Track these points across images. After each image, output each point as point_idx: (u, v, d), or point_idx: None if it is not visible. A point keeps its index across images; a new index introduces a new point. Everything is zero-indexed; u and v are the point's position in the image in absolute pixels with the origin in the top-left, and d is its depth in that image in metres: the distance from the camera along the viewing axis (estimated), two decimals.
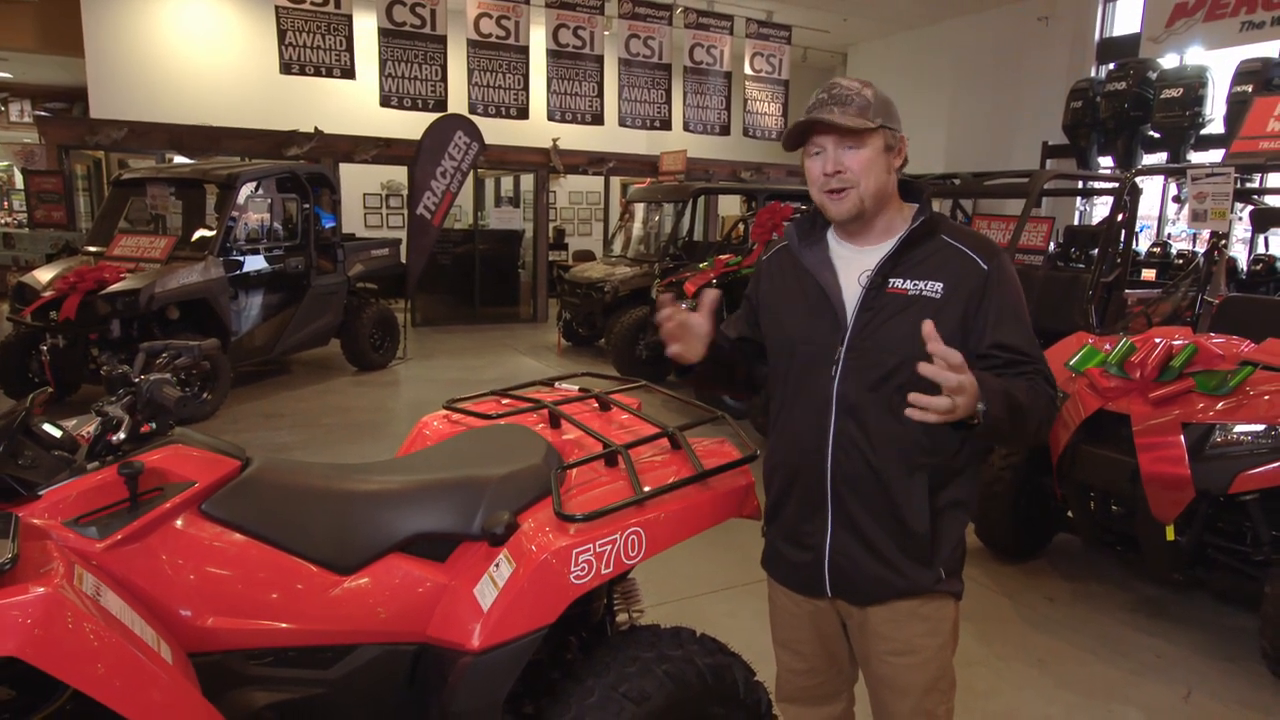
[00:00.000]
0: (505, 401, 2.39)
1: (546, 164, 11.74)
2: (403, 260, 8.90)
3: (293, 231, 7.23)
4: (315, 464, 1.95)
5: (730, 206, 14.43)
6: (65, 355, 5.90)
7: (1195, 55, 9.59)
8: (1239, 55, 8.91)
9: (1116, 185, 4.40)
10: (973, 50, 13.02)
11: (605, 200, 13.27)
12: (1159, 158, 10.08)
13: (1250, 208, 4.03)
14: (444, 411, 2.47)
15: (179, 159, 10.49)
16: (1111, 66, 10.31)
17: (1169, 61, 9.80)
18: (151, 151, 11.16)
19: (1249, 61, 8.70)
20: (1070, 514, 3.66)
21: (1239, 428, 2.98)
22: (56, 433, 1.69)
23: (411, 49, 10.45)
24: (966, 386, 1.35)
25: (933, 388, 1.37)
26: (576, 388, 2.56)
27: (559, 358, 9.27)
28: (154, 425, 1.64)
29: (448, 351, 9.39)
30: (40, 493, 1.54)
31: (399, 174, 13.18)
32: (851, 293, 1.60)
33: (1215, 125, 9.19)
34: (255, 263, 6.71)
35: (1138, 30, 10.70)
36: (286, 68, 9.78)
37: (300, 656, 1.73)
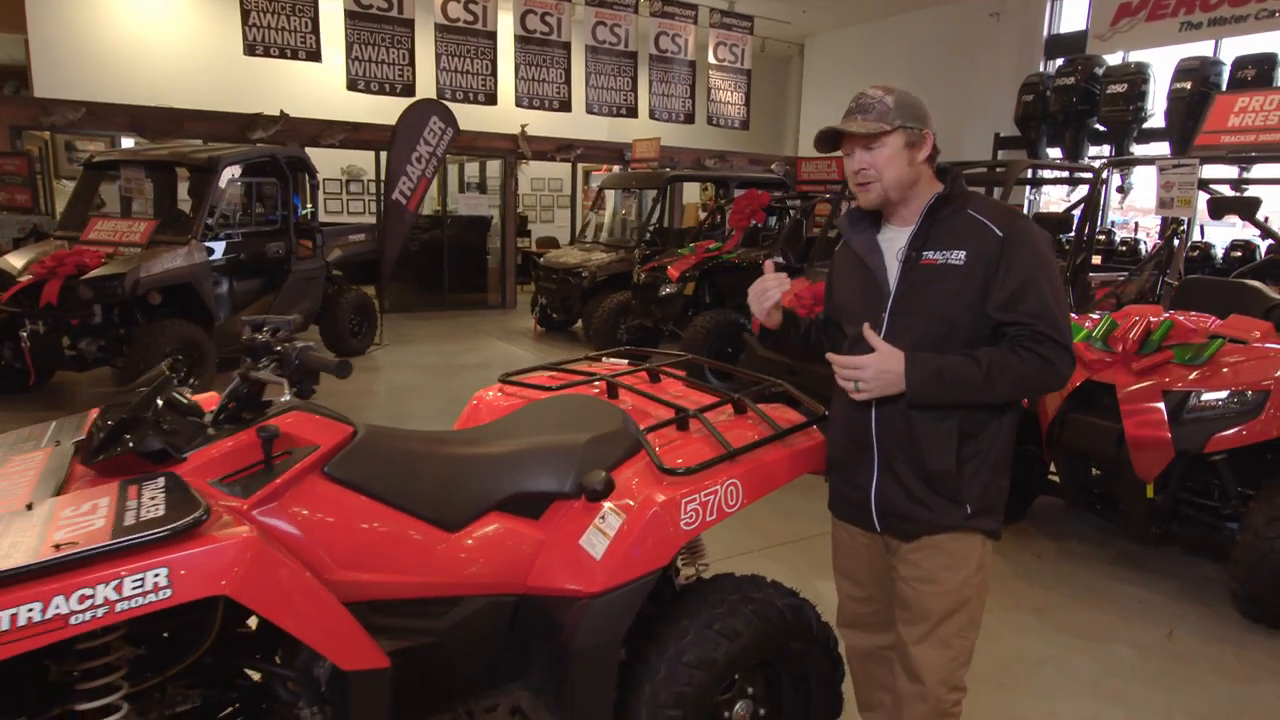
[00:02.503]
0: (550, 375, 2.54)
1: (514, 150, 11.74)
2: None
3: (272, 216, 7.15)
4: (413, 431, 2.07)
5: (690, 194, 14.63)
6: (44, 341, 5.76)
7: (1138, 53, 10.13)
8: (1179, 54, 9.46)
9: (1090, 175, 4.72)
10: (926, 44, 13.44)
11: (573, 187, 13.32)
12: (1103, 150, 10.64)
13: (1208, 197, 4.40)
14: (498, 385, 2.60)
15: (127, 142, 10.18)
16: (1060, 62, 10.81)
17: (1114, 59, 10.34)
18: (102, 133, 10.81)
19: (1188, 60, 9.26)
20: (1056, 478, 3.96)
21: (1211, 394, 3.29)
22: (185, 400, 1.78)
23: (379, 32, 10.34)
24: (864, 373, 1.74)
25: (959, 348, 1.73)
26: (625, 361, 2.72)
27: (535, 342, 9.35)
28: (299, 389, 1.73)
29: (422, 338, 9.39)
30: (185, 455, 1.64)
31: (360, 159, 13.01)
32: (892, 267, 1.84)
33: (1156, 120, 9.76)
34: (237, 247, 6.63)
35: (1084, 28, 11.24)
36: (250, 49, 9.58)
37: (416, 608, 1.86)
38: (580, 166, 13.92)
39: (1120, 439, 3.38)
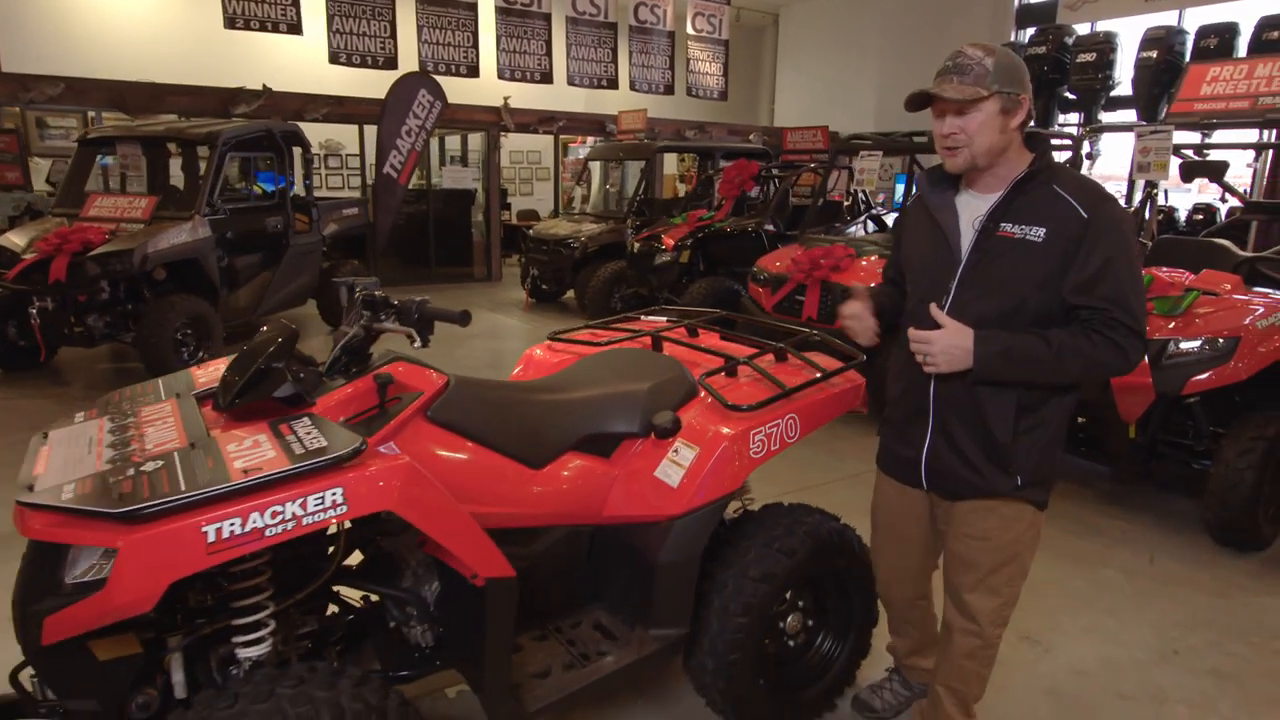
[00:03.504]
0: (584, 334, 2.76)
1: (497, 122, 11.76)
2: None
3: (270, 189, 7.19)
4: (493, 380, 2.28)
5: (668, 166, 14.75)
6: (52, 318, 5.81)
7: (1106, 23, 10.45)
8: (1145, 23, 9.79)
9: (1070, 142, 5.02)
10: (899, 13, 13.64)
11: (556, 160, 13.38)
12: (1072, 117, 10.99)
13: (1180, 161, 4.70)
14: (547, 342, 2.81)
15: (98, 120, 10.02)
16: (1032, 31, 11.09)
17: (1082, 28, 10.65)
18: (72, 108, 10.62)
19: (1154, 29, 9.59)
20: None
21: (1188, 342, 3.60)
22: (303, 353, 1.97)
23: (360, 4, 10.27)
24: (934, 348, 1.73)
25: (1025, 324, 1.73)
26: (664, 319, 2.95)
27: (526, 313, 9.50)
28: (420, 339, 1.92)
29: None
30: (314, 400, 1.83)
31: (338, 133, 12.92)
32: (967, 234, 1.82)
33: (1123, 88, 10.12)
34: (237, 222, 6.68)
35: None
36: (231, 22, 9.48)
37: (508, 536, 2.07)
38: (558, 139, 13.98)
39: (1106, 384, 3.69)
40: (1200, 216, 8.56)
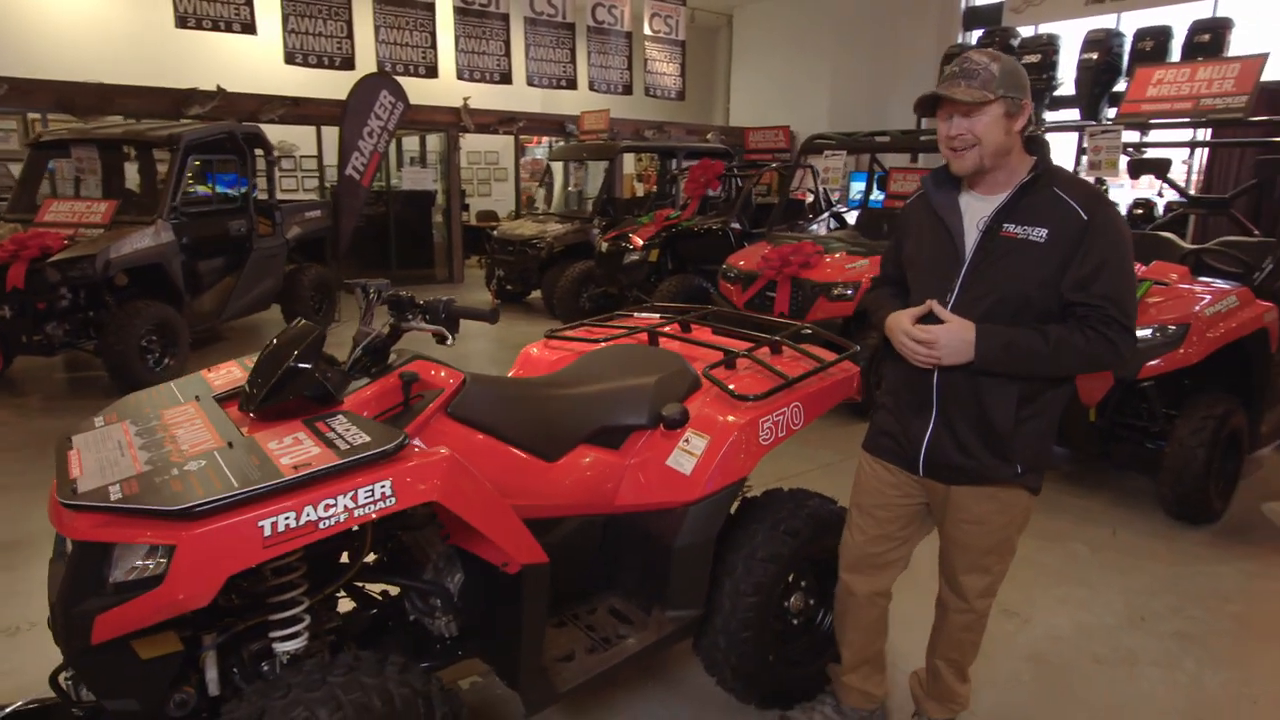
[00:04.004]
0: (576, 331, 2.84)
1: (457, 123, 11.71)
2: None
3: (233, 192, 7.09)
4: (505, 377, 2.35)
5: (626, 165, 14.84)
6: (10, 326, 5.65)
7: (1048, 26, 10.85)
8: (1085, 26, 10.21)
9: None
10: (851, 15, 13.94)
11: (516, 160, 13.36)
12: None
13: (1128, 159, 4.97)
14: (542, 341, 2.89)
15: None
16: (980, 33, 11.46)
17: (1026, 31, 11.04)
18: (16, 110, 10.27)
19: (1094, 32, 10.01)
20: None
21: (1141, 330, 3.82)
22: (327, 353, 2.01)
23: (315, 4, 10.12)
24: (935, 343, 1.80)
25: (1028, 321, 1.78)
26: (657, 315, 3.04)
27: None
28: (450, 336, 1.98)
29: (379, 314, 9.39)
30: (343, 397, 1.88)
31: (292, 134, 12.71)
32: (971, 234, 1.87)
33: (1066, 87, 10.52)
34: (200, 226, 6.57)
35: (999, 0, 11.93)
36: (182, 21, 9.26)
37: (527, 527, 2.15)
38: (518, 140, 13.96)
39: None
40: (1140, 211, 8.95)
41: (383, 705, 1.57)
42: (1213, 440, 3.69)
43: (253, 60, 10.79)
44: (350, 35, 10.38)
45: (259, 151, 7.33)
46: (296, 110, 10.39)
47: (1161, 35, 9.41)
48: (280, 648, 1.79)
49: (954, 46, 11.83)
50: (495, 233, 9.75)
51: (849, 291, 5.38)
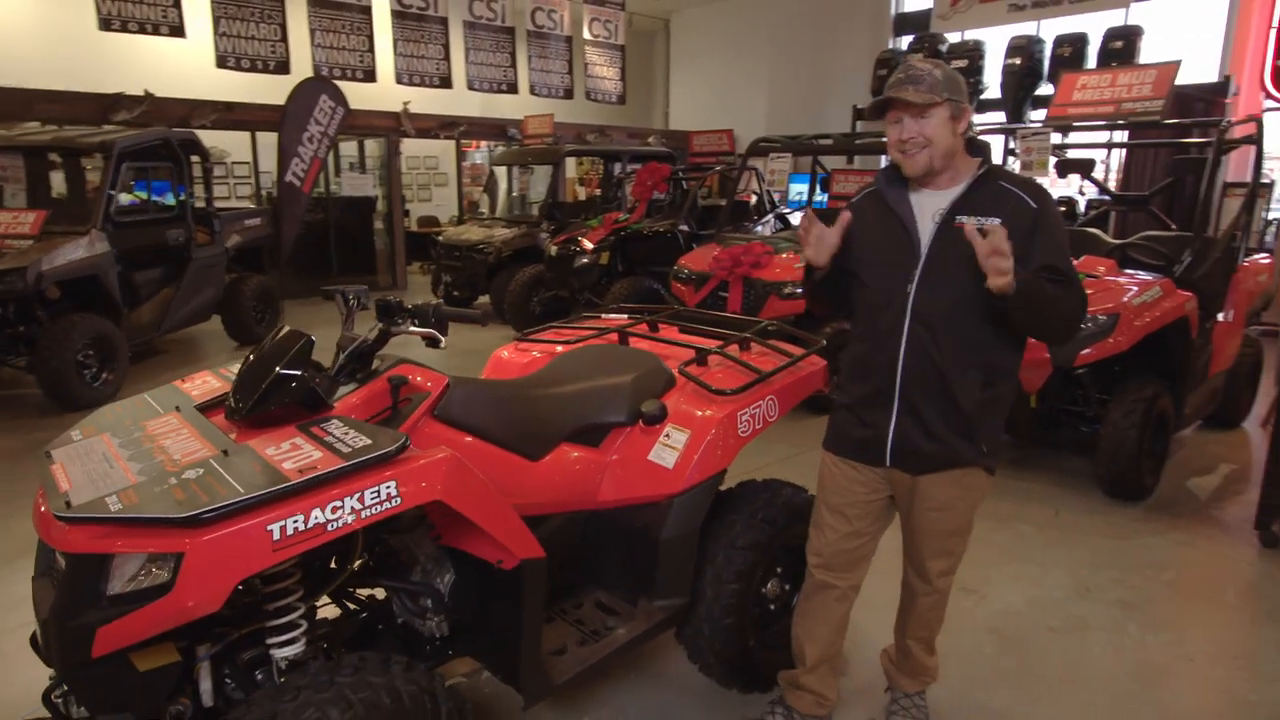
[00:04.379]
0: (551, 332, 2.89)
1: (397, 128, 11.57)
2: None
3: (171, 201, 6.88)
4: (487, 380, 2.38)
5: (568, 169, 14.86)
6: None
7: (974, 32, 11.30)
8: (1008, 33, 10.68)
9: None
10: (786, 21, 14.26)
11: (458, 166, 13.25)
12: None
13: (1055, 159, 5.25)
14: (513, 344, 2.93)
15: None
16: (910, 39, 11.86)
17: (953, 37, 11.48)
18: None
19: (1017, 38, 10.46)
20: None
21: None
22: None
23: (247, 6, 9.87)
24: (1002, 247, 1.73)
25: (988, 312, 1.85)
26: (625, 316, 3.11)
27: None
28: (440, 340, 2.00)
29: (324, 322, 9.20)
30: (334, 402, 1.90)
31: (224, 140, 12.34)
32: (926, 227, 1.97)
33: (992, 91, 10.99)
34: (135, 236, 6.36)
35: (927, 6, 12.37)
36: (105, 23, 8.93)
37: None
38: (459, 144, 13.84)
39: None
40: (1063, 209, 9.38)
41: (391, 703, 1.60)
42: (1143, 422, 3.94)
43: (183, 64, 10.45)
44: (284, 38, 10.16)
45: (195, 158, 7.13)
46: (230, 115, 10.11)
47: (1079, 42, 9.90)
48: (279, 654, 1.79)
49: (885, 52, 12.22)
50: (441, 238, 9.67)
51: (799, 290, 5.53)
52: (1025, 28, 10.80)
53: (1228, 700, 2.56)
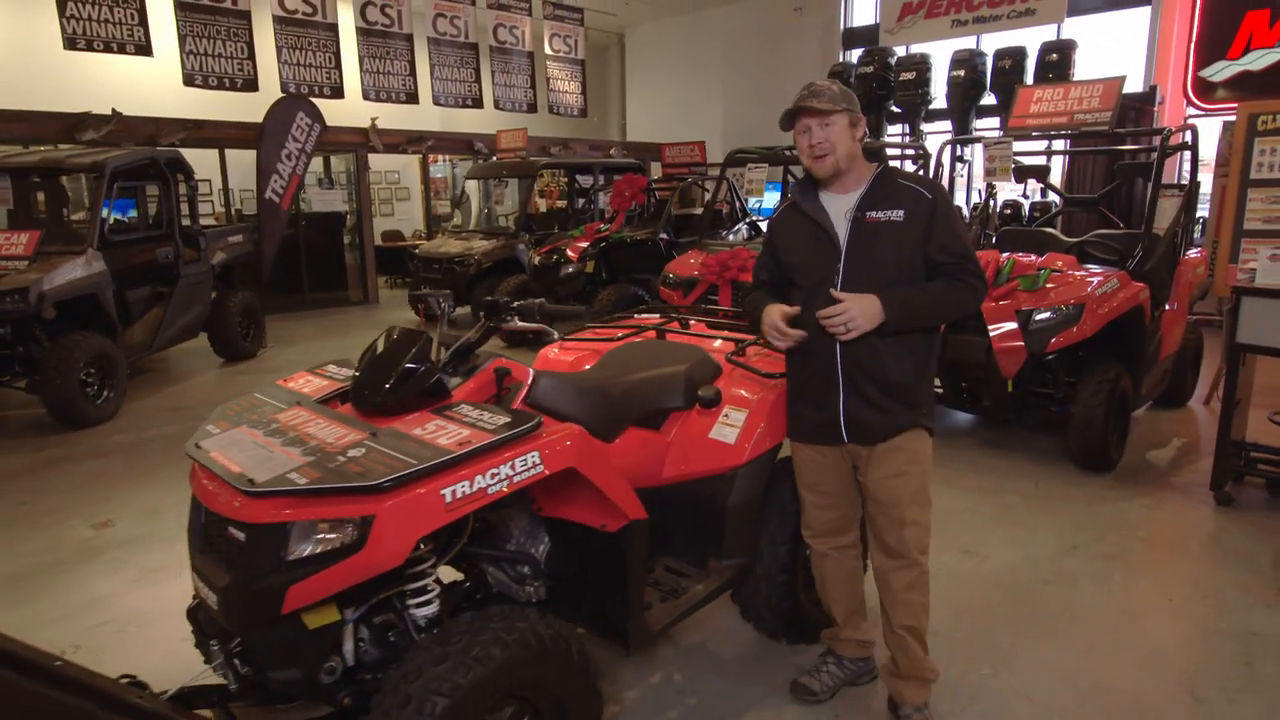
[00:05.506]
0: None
1: (365, 143, 11.66)
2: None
3: (157, 220, 6.92)
4: (563, 372, 2.65)
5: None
6: None
7: (920, 46, 11.94)
8: (953, 46, 11.33)
9: (922, 152, 5.97)
10: (739, 36, 14.78)
11: (426, 179, 13.36)
12: (898, 129, 12.45)
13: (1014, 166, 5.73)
14: (557, 344, 3.19)
15: None
16: (860, 52, 12.44)
17: (900, 50, 12.11)
18: None
19: (960, 52, 11.13)
20: (939, 388, 5.10)
21: (1045, 311, 4.50)
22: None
23: (213, 24, 9.91)
24: (851, 315, 2.08)
25: (904, 285, 2.14)
26: (658, 315, 3.41)
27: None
28: (554, 334, 2.26)
29: (304, 338, 9.29)
30: (452, 390, 2.14)
31: (191, 158, 12.25)
32: (841, 226, 2.23)
33: (939, 101, 11.62)
34: (128, 255, 6.40)
35: (874, 21, 13.00)
36: (71, 43, 8.88)
37: None
38: (415, 159, 13.94)
39: (988, 349, 4.52)
40: (1009, 211, 9.98)
41: (537, 643, 1.85)
42: (1109, 400, 4.39)
43: (150, 83, 10.41)
44: (252, 56, 10.20)
45: (180, 177, 7.18)
46: (199, 133, 10.09)
47: (1018, 55, 10.60)
48: (418, 613, 2.03)
49: (837, 65, 12.81)
50: (418, 251, 9.81)
51: None
52: (967, 42, 11.47)
53: (1202, 629, 2.96)
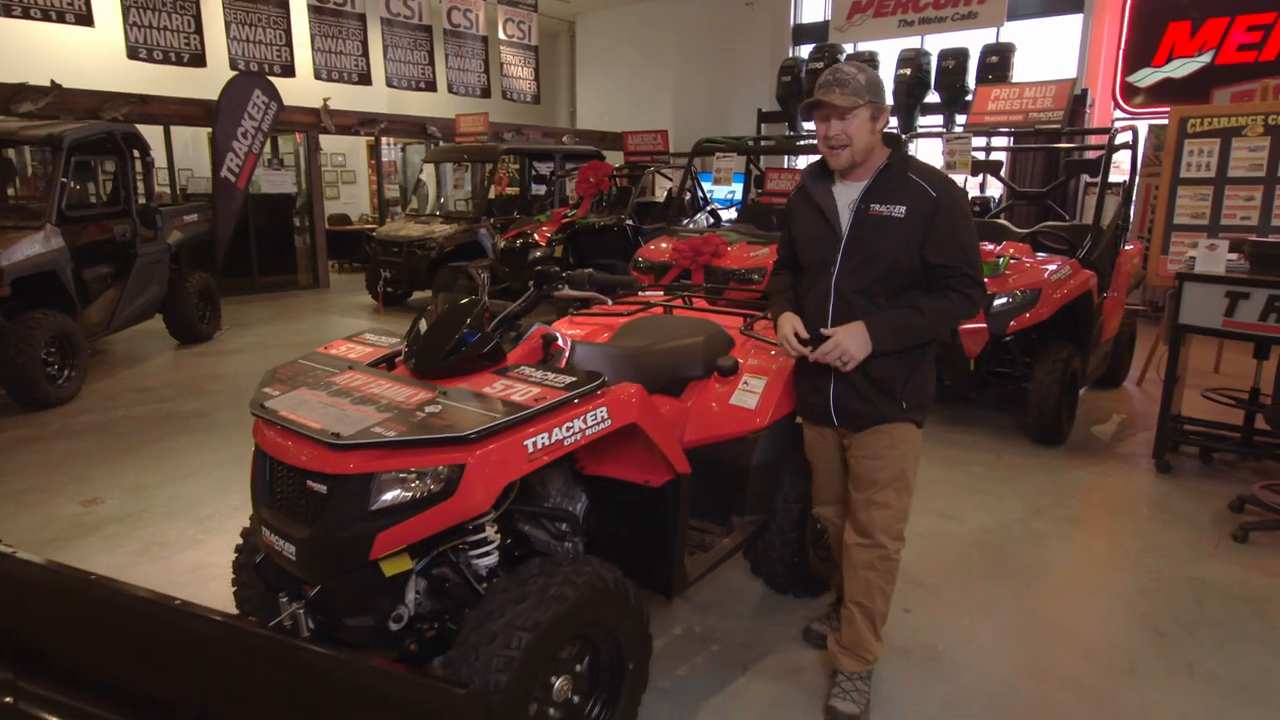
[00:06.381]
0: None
1: (317, 124, 11.42)
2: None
3: (113, 196, 6.71)
4: (594, 342, 2.78)
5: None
6: None
7: (867, 44, 12.36)
8: (898, 45, 11.77)
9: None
10: (691, 28, 14.97)
11: (378, 163, 13.15)
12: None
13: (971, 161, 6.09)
14: (567, 319, 3.33)
15: None
16: (811, 48, 12.79)
17: (849, 47, 12.50)
18: None
19: (906, 51, 11.56)
20: None
21: (1005, 296, 4.83)
22: None
23: None
24: (843, 349, 2.13)
25: (902, 285, 2.17)
26: (663, 293, 3.57)
27: (382, 316, 9.46)
28: (608, 301, 2.38)
29: (259, 320, 9.10)
30: (507, 353, 2.27)
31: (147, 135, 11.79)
32: (845, 216, 2.23)
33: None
34: (84, 231, 6.20)
35: (824, 18, 13.37)
36: (6, 9, 8.47)
37: None
38: (364, 141, 13.70)
39: (954, 331, 4.83)
40: (977, 208, 10.43)
41: (603, 586, 2.00)
42: (1062, 378, 4.75)
43: (91, 55, 9.98)
44: (199, 30, 9.90)
45: (136, 153, 6.96)
46: (143, 108, 9.73)
47: (961, 56, 11.07)
48: (480, 563, 2.14)
49: (788, 60, 13.13)
50: (375, 234, 9.71)
51: (756, 276, 6.12)
52: (913, 41, 11.93)
53: (1156, 578, 3.30)
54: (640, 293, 3.60)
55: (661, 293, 3.58)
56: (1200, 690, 2.54)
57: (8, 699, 1.65)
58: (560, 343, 2.44)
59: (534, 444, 1.87)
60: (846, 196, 2.25)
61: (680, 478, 2.29)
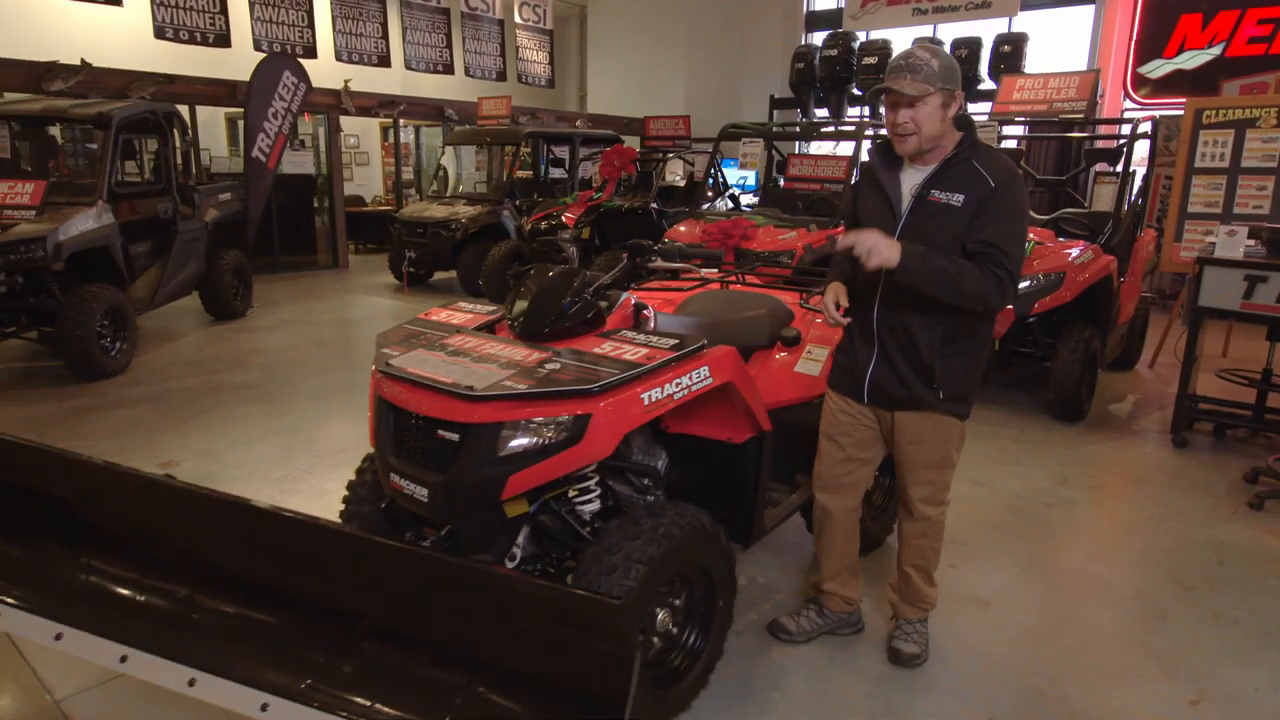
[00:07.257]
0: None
1: (337, 106, 11.54)
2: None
3: (155, 175, 6.87)
4: (671, 313, 2.98)
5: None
6: None
7: (880, 32, 12.49)
8: (911, 34, 11.92)
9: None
10: (702, 14, 15.04)
11: (396, 144, 13.27)
12: (857, 111, 13.01)
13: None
14: (634, 292, 3.53)
15: None
16: (825, 35, 12.92)
17: (862, 35, 12.64)
18: None
19: (920, 40, 11.72)
20: None
21: (1030, 280, 5.04)
22: None
23: None
24: (873, 242, 2.07)
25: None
26: (717, 270, 3.77)
27: (405, 295, 9.62)
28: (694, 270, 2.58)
29: (285, 299, 9.27)
30: (606, 318, 2.47)
31: None
32: (906, 199, 2.26)
33: None
34: (131, 208, 6.37)
35: (836, 5, 13.49)
36: None
37: None
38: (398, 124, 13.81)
39: None
40: None
41: (702, 529, 2.22)
42: (1084, 357, 4.98)
43: (122, 35, 10.09)
44: (224, 11, 10.03)
45: (176, 132, 7.11)
46: (170, 88, 9.85)
47: (974, 45, 11.24)
48: (586, 509, 2.36)
49: (802, 46, 13.27)
50: (399, 216, 9.87)
51: (784, 258, 6.32)
52: (926, 30, 12.08)
53: (1179, 540, 3.54)
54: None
55: (716, 270, 3.78)
56: (1227, 634, 2.79)
57: (194, 616, 1.86)
58: (647, 312, 2.64)
59: (649, 397, 2.08)
60: (910, 181, 2.28)
61: (764, 434, 2.51)
